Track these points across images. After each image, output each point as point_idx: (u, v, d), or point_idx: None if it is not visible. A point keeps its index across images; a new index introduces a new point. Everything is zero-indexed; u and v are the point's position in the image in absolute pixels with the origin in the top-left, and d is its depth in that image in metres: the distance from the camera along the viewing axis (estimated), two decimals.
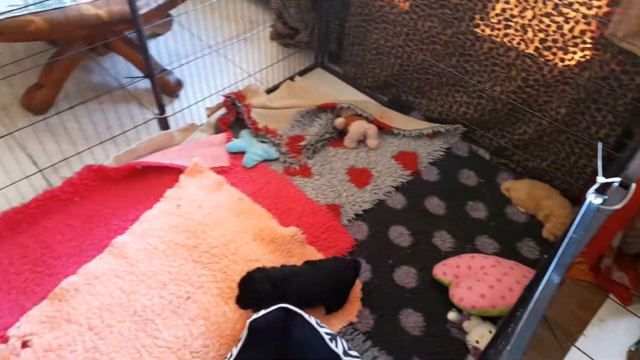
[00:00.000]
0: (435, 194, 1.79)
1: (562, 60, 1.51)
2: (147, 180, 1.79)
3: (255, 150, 1.87)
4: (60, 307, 1.40)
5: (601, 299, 1.42)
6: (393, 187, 1.80)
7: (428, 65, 1.93)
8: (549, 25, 1.49)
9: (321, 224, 1.66)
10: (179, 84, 2.12)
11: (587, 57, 1.46)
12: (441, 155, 1.93)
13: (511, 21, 1.57)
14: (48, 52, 2.07)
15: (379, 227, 1.68)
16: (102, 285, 1.45)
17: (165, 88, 2.09)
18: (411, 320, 1.44)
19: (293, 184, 1.79)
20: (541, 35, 1.52)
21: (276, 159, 1.87)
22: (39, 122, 1.78)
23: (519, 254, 1.61)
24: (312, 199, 1.74)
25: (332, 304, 1.44)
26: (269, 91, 2.19)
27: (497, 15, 1.59)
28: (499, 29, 1.61)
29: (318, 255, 1.57)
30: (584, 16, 1.41)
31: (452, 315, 1.43)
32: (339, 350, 1.17)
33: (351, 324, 1.43)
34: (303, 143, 1.88)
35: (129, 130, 1.87)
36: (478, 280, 1.39)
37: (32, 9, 1.63)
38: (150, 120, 1.91)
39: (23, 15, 1.61)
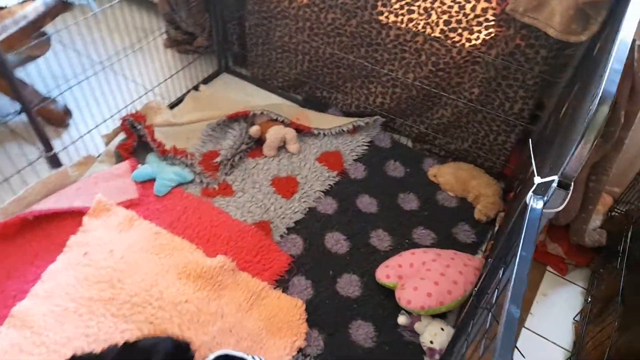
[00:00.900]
0: (365, 192, 1.73)
1: (469, 40, 1.49)
2: (45, 230, 1.55)
3: (166, 175, 1.69)
4: None
5: (540, 273, 1.44)
6: (322, 191, 1.71)
7: (337, 59, 1.84)
8: (451, 7, 1.45)
9: (252, 245, 1.53)
10: (67, 112, 1.87)
11: (492, 35, 1.44)
12: (365, 150, 1.86)
13: (413, 5, 1.52)
14: None
15: (314, 238, 1.58)
16: None
17: (50, 119, 1.84)
18: (362, 332, 1.37)
19: (214, 206, 1.64)
20: (445, 17, 1.48)
21: (191, 181, 1.71)
22: None
23: (456, 240, 1.59)
24: (238, 219, 1.60)
25: None
26: (172, 106, 2.00)
27: (398, 0, 1.54)
28: (402, 15, 1.56)
29: (253, 282, 1.45)
30: None
31: (402, 319, 1.37)
32: None
33: (300, 350, 1.33)
34: (219, 159, 1.73)
35: (12, 175, 1.61)
36: (422, 279, 1.35)
37: None
38: (36, 160, 1.66)
39: None
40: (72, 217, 1.57)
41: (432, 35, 1.54)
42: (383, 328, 1.38)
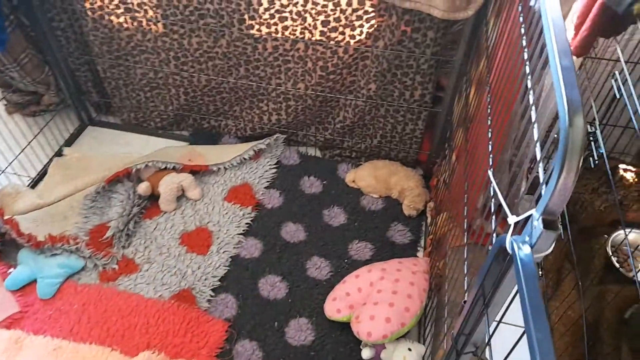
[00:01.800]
0: (288, 219, 1.56)
1: (353, 37, 1.38)
2: None
3: (48, 271, 1.38)
4: None
5: (485, 254, 1.39)
6: (240, 234, 1.51)
7: (216, 84, 1.64)
8: (325, 6, 1.32)
9: (177, 324, 1.30)
10: None
11: (375, 27, 1.34)
12: (274, 173, 1.69)
13: (284, 12, 1.37)
14: None
15: (247, 290, 1.39)
16: None
17: None
18: None
19: (119, 290, 1.37)
20: (321, 17, 1.35)
21: (83, 269, 1.42)
22: None
23: (394, 244, 1.50)
24: (152, 298, 1.36)
25: None
26: (35, 183, 1.66)
27: (266, 9, 1.37)
28: (275, 25, 1.40)
29: None
30: None
31: (366, 353, 1.25)
32: None
33: None
34: (109, 233, 1.46)
35: None
36: (376, 304, 1.23)
37: None
38: None
39: None
40: None
41: (313, 39, 1.40)
42: None
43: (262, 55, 1.49)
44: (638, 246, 1.20)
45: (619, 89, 0.89)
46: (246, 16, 1.40)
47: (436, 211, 1.51)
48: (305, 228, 1.55)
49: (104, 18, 1.51)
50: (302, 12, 1.35)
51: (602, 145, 1.07)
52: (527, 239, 0.49)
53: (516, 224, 0.56)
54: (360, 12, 1.32)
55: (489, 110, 0.92)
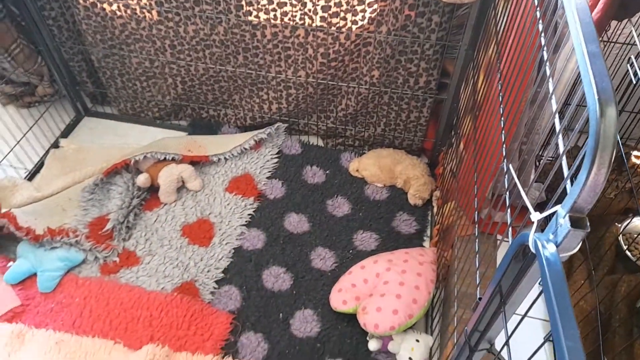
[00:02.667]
0: (291, 210, 1.54)
1: (355, 22, 1.34)
2: None
3: (48, 264, 1.35)
4: None
5: (492, 246, 1.37)
6: (243, 225, 1.49)
7: (214, 73, 1.60)
8: None
9: (181, 317, 1.28)
10: None
11: (378, 11, 1.30)
12: (275, 163, 1.66)
13: None
14: None
15: (251, 282, 1.37)
16: None
17: None
18: None
19: (121, 283, 1.35)
20: (322, 2, 1.30)
21: (83, 262, 1.39)
22: None
23: (400, 234, 1.48)
24: (155, 290, 1.34)
25: None
26: (32, 176, 1.63)
27: None
28: (274, 10, 1.35)
29: (196, 359, 1.21)
30: None
31: (373, 344, 1.23)
32: None
33: None
34: (109, 225, 1.43)
35: None
36: (382, 295, 1.21)
37: None
38: None
39: None
40: None
41: (314, 25, 1.36)
42: (356, 359, 1.23)
43: (261, 43, 1.45)
44: None
45: (635, 74, 0.86)
46: (243, 2, 1.35)
47: (442, 200, 1.48)
48: (309, 218, 1.52)
49: (97, 6, 1.47)
50: None
51: None
52: (551, 237, 0.47)
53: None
54: None
55: (500, 98, 0.89)
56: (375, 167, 1.58)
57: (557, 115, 0.57)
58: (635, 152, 1.17)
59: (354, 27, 1.35)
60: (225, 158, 1.64)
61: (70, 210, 1.50)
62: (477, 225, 1.17)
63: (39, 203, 1.50)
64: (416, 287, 1.23)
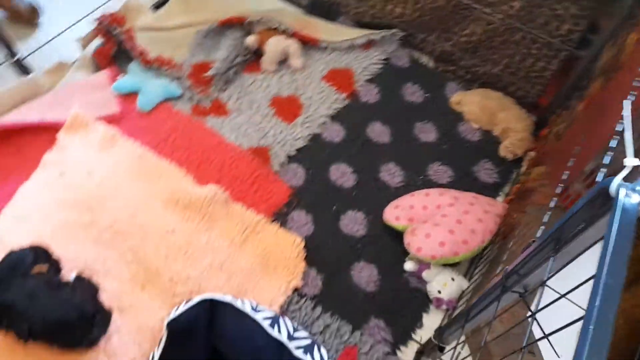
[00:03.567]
0: (378, 118, 1.53)
1: None
2: (15, 145, 1.38)
3: (151, 88, 1.48)
4: None
5: (556, 216, 1.29)
6: (328, 116, 1.51)
7: None
8: None
9: (247, 173, 1.37)
10: (35, 10, 1.61)
11: None
12: (379, 69, 1.63)
13: None
14: None
15: (318, 168, 1.42)
16: None
17: (17, 17, 1.58)
18: (364, 275, 1.26)
19: (206, 126, 1.45)
20: None
21: (180, 97, 1.50)
22: None
23: (477, 180, 1.43)
24: (233, 143, 1.42)
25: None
26: (157, 6, 1.72)
27: None
28: None
29: (248, 214, 1.31)
30: None
31: (409, 265, 1.25)
32: (282, 336, 0.97)
33: (296, 290, 1.23)
34: (211, 72, 1.51)
35: None
36: (436, 225, 1.20)
37: None
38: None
39: None
40: (46, 132, 1.39)
41: None
42: (388, 272, 1.27)
43: None
44: None
45: None
46: None
47: (534, 162, 1.40)
48: (392, 133, 1.51)
49: None
50: None
51: None
52: (638, 188, 0.42)
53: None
54: None
55: None
56: (477, 106, 1.50)
57: None
58: None
59: None
60: (333, 48, 1.63)
61: (180, 49, 1.59)
62: (557, 198, 1.10)
63: (156, 33, 1.60)
64: (472, 230, 1.21)
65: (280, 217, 1.33)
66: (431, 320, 1.21)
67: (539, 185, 1.27)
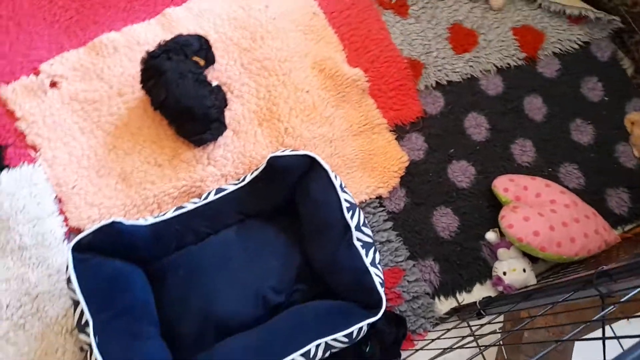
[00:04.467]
0: (542, 94, 1.44)
1: None
2: None
3: None
4: (96, 60, 1.30)
5: None
6: (496, 66, 1.45)
7: None
8: None
9: (393, 78, 1.39)
10: None
11: None
12: (573, 48, 1.49)
13: None
14: None
15: (457, 108, 1.40)
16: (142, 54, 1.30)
17: None
18: (445, 221, 1.28)
19: (381, 18, 1.46)
20: None
21: None
22: None
23: (603, 202, 1.33)
24: (395, 45, 1.43)
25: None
26: None
27: None
28: None
29: (375, 112, 1.35)
30: None
31: (490, 235, 1.24)
32: (352, 222, 1.04)
33: (379, 198, 1.28)
34: None
35: None
36: (540, 215, 1.16)
37: None
38: None
39: None
40: None
41: None
42: (467, 230, 1.27)
43: None
44: None
45: None
46: None
47: None
48: (548, 115, 1.42)
49: None
50: None
51: None
52: None
53: None
54: None
55: None
56: None
57: None
58: None
59: None
60: (540, 4, 1.51)
61: None
62: None
63: None
64: (572, 239, 1.15)
65: (400, 132, 1.35)
66: (480, 292, 1.22)
67: None
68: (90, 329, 0.92)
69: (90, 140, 1.23)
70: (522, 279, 1.18)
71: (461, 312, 1.16)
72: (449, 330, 1.12)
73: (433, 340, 1.12)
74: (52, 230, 1.14)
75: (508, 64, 1.45)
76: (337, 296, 1.06)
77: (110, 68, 1.29)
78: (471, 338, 1.01)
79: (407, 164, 1.30)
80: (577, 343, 1.03)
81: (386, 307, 1.00)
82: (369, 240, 1.07)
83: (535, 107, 1.41)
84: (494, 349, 1.15)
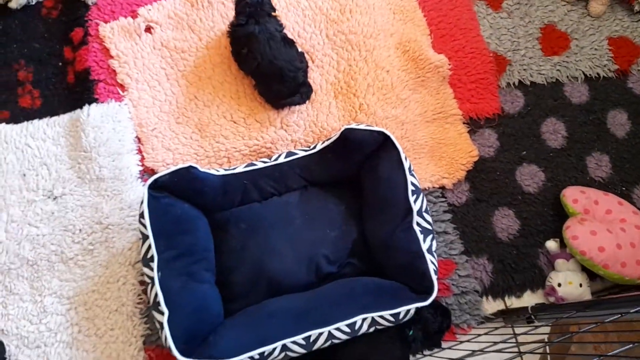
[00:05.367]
0: (628, 110, 1.38)
1: None
2: None
3: None
4: (191, 12, 1.34)
5: None
6: (584, 74, 1.39)
7: None
8: None
9: (476, 70, 1.36)
10: None
11: None
12: None
13: None
14: None
15: (536, 111, 1.36)
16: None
17: None
18: (505, 223, 1.26)
19: (472, 8, 1.43)
20: None
21: None
22: None
23: None
24: (483, 38, 1.40)
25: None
26: None
27: None
28: None
29: (451, 102, 1.33)
30: None
31: (551, 244, 1.22)
32: (415, 207, 1.04)
33: (442, 188, 1.27)
34: None
35: None
36: (608, 231, 1.13)
37: None
38: None
39: None
40: None
41: None
42: (526, 235, 1.25)
43: None
44: None
45: None
46: None
47: None
48: (631, 132, 1.36)
49: None
50: None
51: None
52: None
53: None
54: None
55: None
56: None
57: None
58: None
59: None
60: None
61: None
62: None
63: None
64: (638, 261, 1.11)
65: (474, 125, 1.33)
66: (530, 299, 1.21)
67: None
68: (155, 264, 0.97)
69: (174, 87, 1.28)
70: (577, 293, 1.16)
71: (508, 316, 1.15)
72: (493, 329, 1.11)
73: (475, 337, 1.12)
74: (128, 167, 1.21)
75: (597, 73, 1.39)
76: (388, 276, 1.07)
77: (202, 21, 1.32)
78: (513, 342, 1.01)
79: (476, 158, 1.28)
80: None
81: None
82: (429, 227, 1.07)
83: (619, 122, 1.36)
84: (535, 357, 1.14)
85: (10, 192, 1.19)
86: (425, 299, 1.00)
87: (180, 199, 1.07)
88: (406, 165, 1.07)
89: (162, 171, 1.03)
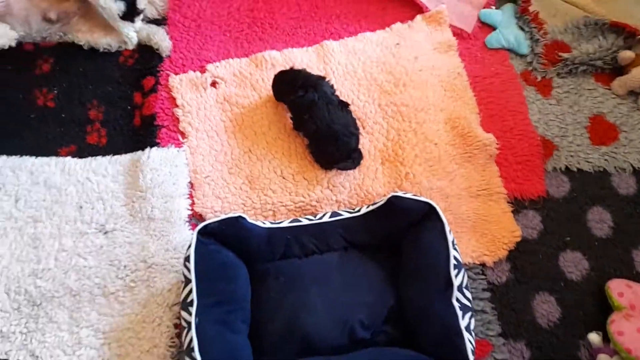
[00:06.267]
0: None
1: None
2: (385, 2, 1.61)
3: (506, 32, 1.54)
4: (254, 71, 1.43)
5: None
6: (633, 167, 1.39)
7: None
8: None
9: (523, 152, 1.39)
10: None
11: None
12: None
13: None
14: None
15: (582, 198, 1.35)
16: None
17: None
18: (546, 309, 1.22)
19: (522, 92, 1.48)
20: None
21: (522, 55, 1.53)
22: None
23: None
24: (531, 121, 1.43)
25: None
26: None
27: None
28: None
29: (496, 180, 1.35)
30: None
31: (594, 337, 1.17)
32: (457, 281, 1.04)
33: (483, 265, 1.26)
34: (565, 55, 1.49)
35: None
36: None
37: None
38: None
39: None
40: (410, 8, 1.59)
41: None
42: (568, 324, 1.21)
43: None
44: None
45: None
46: None
47: None
48: None
49: None
50: None
51: None
52: None
53: None
54: None
55: None
56: None
57: None
58: None
59: None
60: None
61: (557, 19, 1.57)
62: None
63: None
64: None
65: (518, 206, 1.33)
66: None
67: None
68: (194, 309, 0.99)
69: (231, 139, 1.35)
70: None
71: None
72: None
73: None
74: (179, 210, 1.26)
75: None
76: (421, 347, 1.05)
77: (264, 81, 1.41)
78: None
79: (518, 239, 1.28)
80: None
81: None
82: (468, 304, 1.06)
83: None
84: None
85: (65, 222, 1.24)
86: None
87: (226, 247, 1.10)
88: (450, 238, 1.08)
89: (212, 218, 1.07)
